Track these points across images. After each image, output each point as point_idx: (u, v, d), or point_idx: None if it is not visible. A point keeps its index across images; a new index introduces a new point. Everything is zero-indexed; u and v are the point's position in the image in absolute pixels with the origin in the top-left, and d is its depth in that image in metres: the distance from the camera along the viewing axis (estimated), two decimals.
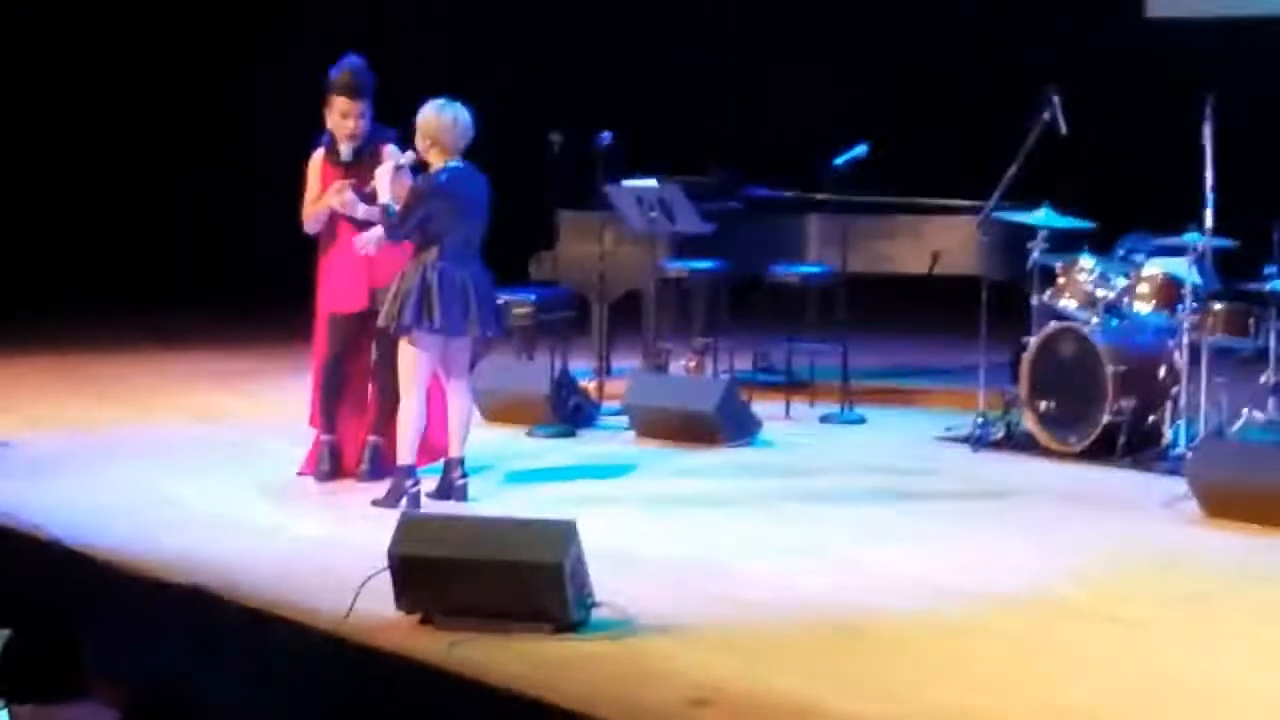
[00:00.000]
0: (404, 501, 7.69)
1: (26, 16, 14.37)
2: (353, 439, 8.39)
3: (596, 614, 6.15)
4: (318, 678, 6.18)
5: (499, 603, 6.04)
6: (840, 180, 9.83)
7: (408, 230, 7.75)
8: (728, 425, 9.27)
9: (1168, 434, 8.72)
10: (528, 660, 5.76)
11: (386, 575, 6.15)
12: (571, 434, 9.47)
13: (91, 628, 6.91)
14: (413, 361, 7.80)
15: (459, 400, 7.95)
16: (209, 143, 14.75)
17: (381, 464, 8.21)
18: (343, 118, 8.20)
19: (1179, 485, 8.01)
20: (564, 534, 6.10)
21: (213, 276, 14.28)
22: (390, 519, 6.47)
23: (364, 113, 8.21)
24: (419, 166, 7.85)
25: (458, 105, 7.79)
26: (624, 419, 9.61)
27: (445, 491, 7.91)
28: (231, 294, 13.98)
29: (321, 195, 8.26)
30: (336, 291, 8.33)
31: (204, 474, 8.51)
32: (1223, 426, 8.65)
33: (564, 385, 9.72)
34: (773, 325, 10.52)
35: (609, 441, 9.41)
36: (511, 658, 5.78)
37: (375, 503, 7.78)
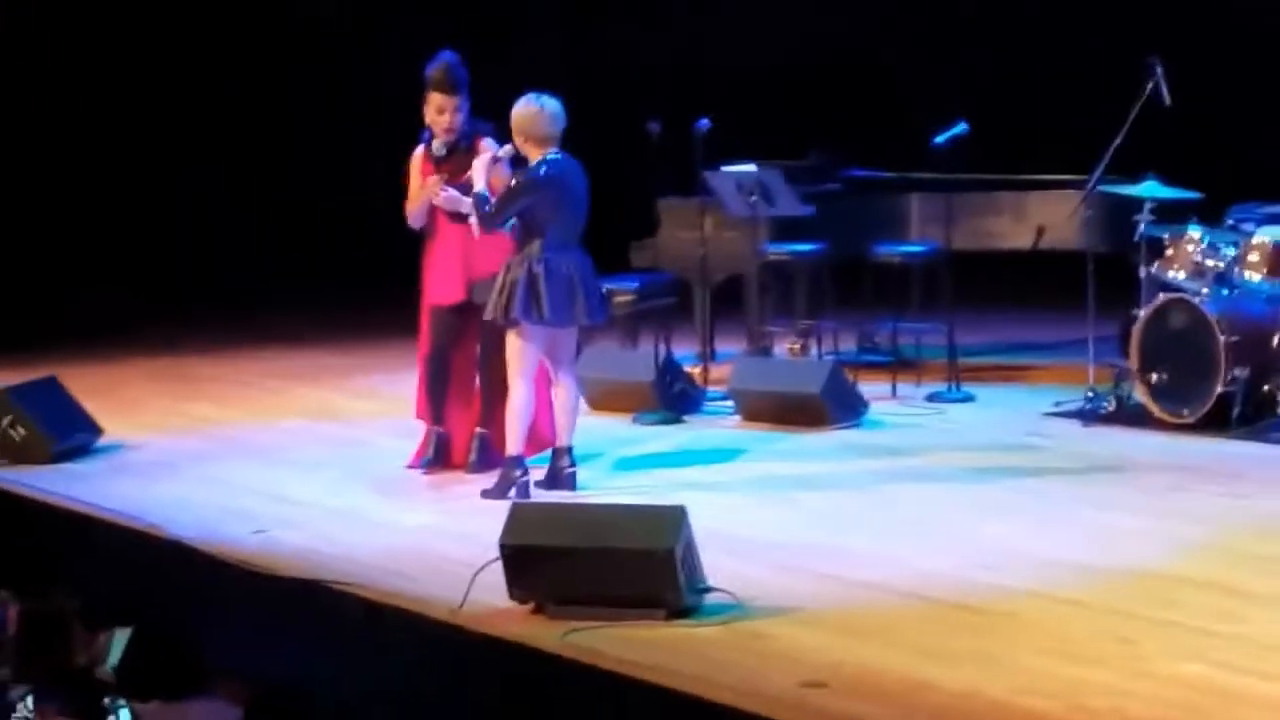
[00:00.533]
0: (513, 491, 7.73)
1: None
2: (460, 431, 8.45)
3: (709, 599, 6.16)
4: (434, 668, 6.24)
5: (611, 590, 6.06)
6: (941, 158, 9.78)
7: (502, 221, 7.79)
8: (834, 407, 9.25)
9: None
10: (642, 646, 5.78)
11: (498, 565, 6.19)
12: (677, 420, 9.48)
13: (212, 624, 7.01)
14: (520, 353, 7.84)
15: (566, 389, 7.98)
16: (305, 138, 14.86)
17: (489, 455, 8.26)
18: (439, 113, 8.26)
19: None
20: (674, 519, 6.12)
21: (316, 274, 14.39)
22: (500, 509, 6.51)
23: (460, 107, 8.26)
24: (517, 160, 7.88)
25: (544, 96, 7.82)
26: (729, 404, 9.61)
27: (554, 480, 7.94)
28: (335, 290, 14.11)
29: (421, 190, 8.34)
30: (435, 284, 8.41)
31: (316, 470, 8.60)
32: None
33: (668, 371, 9.74)
34: (877, 305, 10.49)
35: (715, 426, 9.42)
36: (625, 644, 5.80)
37: (485, 494, 7.83)
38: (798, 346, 10.78)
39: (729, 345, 10.98)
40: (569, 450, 7.98)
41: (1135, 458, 8.39)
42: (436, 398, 8.46)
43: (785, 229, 10.52)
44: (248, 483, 8.36)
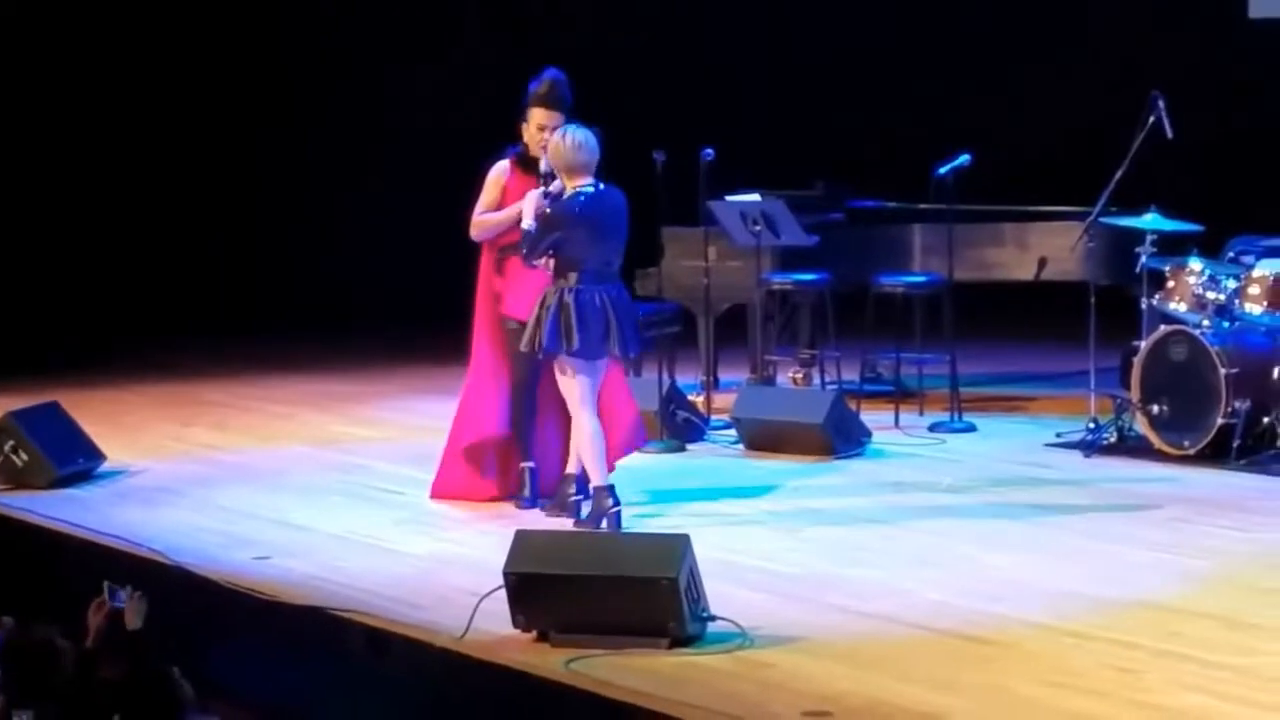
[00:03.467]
0: (605, 523, 7.63)
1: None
2: (549, 462, 8.27)
3: (712, 627, 6.17)
4: (437, 696, 6.25)
5: (614, 618, 6.07)
6: (944, 189, 9.80)
7: (539, 254, 7.73)
8: (837, 436, 9.26)
9: None
10: (645, 675, 5.79)
11: (502, 593, 6.20)
12: (681, 448, 9.49)
13: (215, 650, 7.01)
14: (575, 384, 7.77)
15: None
16: (315, 161, 14.89)
17: (540, 487, 8.19)
18: (540, 130, 8.06)
19: None
20: (678, 548, 6.13)
21: (320, 299, 14.41)
22: (504, 538, 6.52)
23: (561, 125, 8.05)
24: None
25: (574, 127, 7.76)
26: (733, 432, 9.63)
27: (562, 506, 7.91)
28: (339, 316, 14.12)
29: (502, 206, 8.14)
30: (519, 300, 8.09)
31: (320, 497, 8.60)
32: None
33: (672, 400, 9.75)
34: (879, 335, 10.51)
35: (718, 455, 9.43)
36: (628, 672, 5.81)
37: (577, 524, 7.71)
38: (801, 376, 10.80)
39: (732, 374, 11.00)
40: (578, 479, 7.92)
41: (1137, 489, 8.41)
42: (527, 432, 8.25)
43: (789, 258, 10.54)
44: (251, 509, 8.37)
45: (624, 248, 7.91)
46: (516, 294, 8.15)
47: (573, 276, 7.72)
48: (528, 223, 7.73)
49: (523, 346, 7.82)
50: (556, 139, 7.73)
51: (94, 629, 6.03)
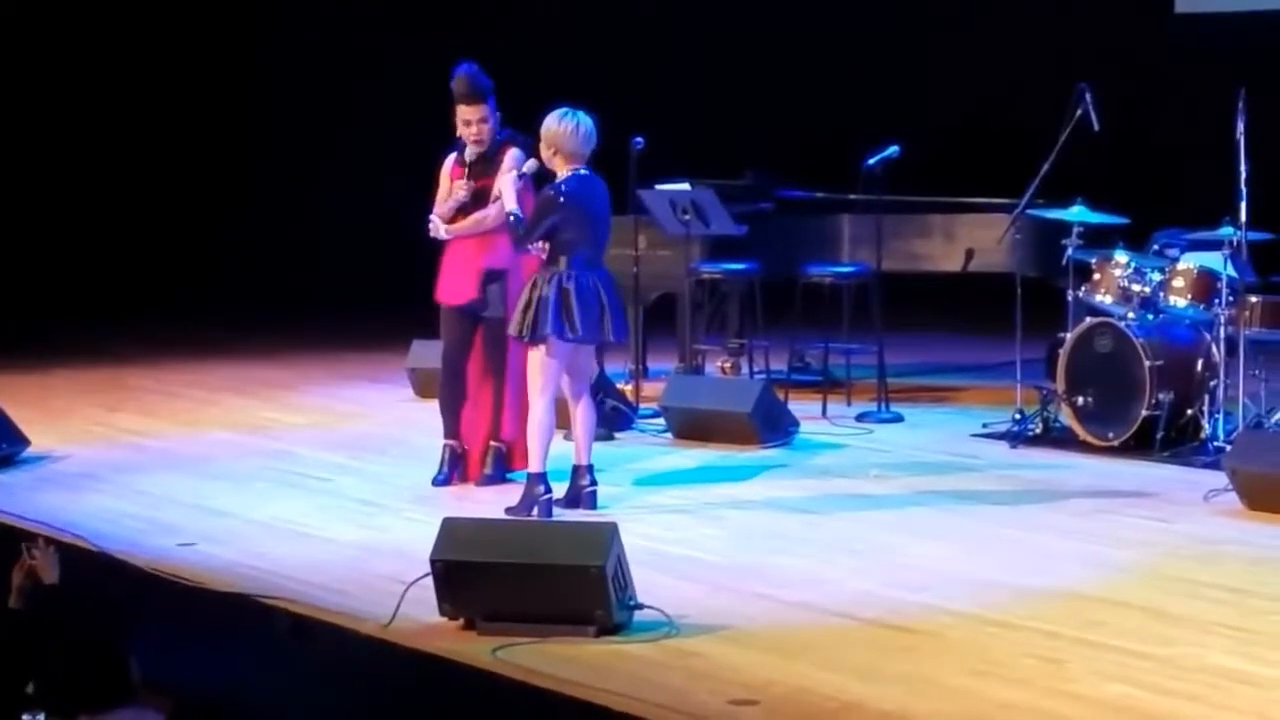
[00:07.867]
0: (536, 510, 7.65)
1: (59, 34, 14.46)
2: (476, 443, 8.40)
3: (639, 616, 6.17)
4: (362, 683, 6.23)
5: (541, 606, 6.07)
6: (873, 180, 9.84)
7: (535, 238, 7.71)
8: (765, 426, 9.29)
9: (1206, 427, 8.72)
10: (571, 663, 5.79)
11: (429, 581, 6.19)
12: (609, 437, 9.48)
13: (138, 636, 6.96)
14: (543, 369, 7.73)
15: (585, 407, 7.90)
16: (257, 150, 14.81)
17: (503, 468, 8.30)
18: (465, 124, 8.23)
19: (1218, 478, 8.01)
20: (605, 536, 6.13)
21: (250, 287, 14.34)
22: (432, 525, 6.50)
23: (486, 116, 8.20)
24: (542, 176, 7.82)
25: (579, 114, 7.74)
26: (661, 421, 9.64)
27: (574, 499, 7.86)
28: (268, 304, 14.05)
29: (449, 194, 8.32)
30: (446, 283, 8.34)
31: (245, 483, 8.56)
32: (1261, 418, 8.65)
33: (601, 388, 9.74)
34: (808, 326, 10.54)
35: (646, 443, 9.44)
36: (555, 661, 5.81)
37: (508, 510, 7.71)
38: (729, 365, 10.82)
39: (661, 363, 11.01)
40: (590, 468, 7.90)
41: (1061, 480, 8.47)
42: (450, 410, 8.38)
43: (718, 248, 10.56)
44: (176, 495, 8.32)
45: (608, 234, 7.94)
46: (444, 277, 8.33)
47: (563, 261, 7.70)
48: (511, 206, 7.72)
49: (511, 330, 7.82)
50: (569, 125, 7.68)
51: (15, 588, 6.00)
